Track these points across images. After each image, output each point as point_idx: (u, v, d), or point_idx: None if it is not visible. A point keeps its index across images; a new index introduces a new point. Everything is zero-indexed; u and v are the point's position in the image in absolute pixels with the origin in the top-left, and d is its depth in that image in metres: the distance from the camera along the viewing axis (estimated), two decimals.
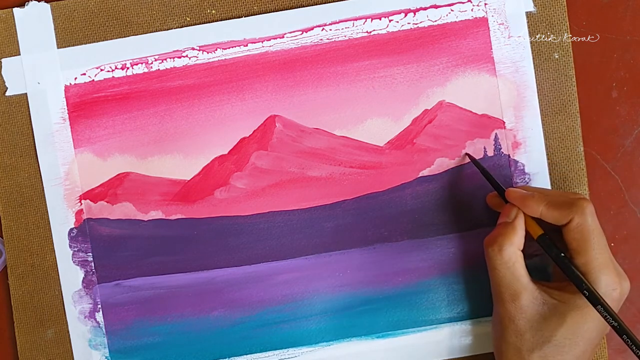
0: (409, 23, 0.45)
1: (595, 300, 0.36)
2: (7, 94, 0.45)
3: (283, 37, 0.45)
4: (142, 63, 0.45)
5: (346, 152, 0.45)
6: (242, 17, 0.45)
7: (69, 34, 0.45)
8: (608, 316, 0.36)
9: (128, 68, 0.45)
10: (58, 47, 0.45)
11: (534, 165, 0.45)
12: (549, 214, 0.38)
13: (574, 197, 0.38)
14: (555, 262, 0.38)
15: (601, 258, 0.37)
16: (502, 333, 0.39)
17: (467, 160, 0.44)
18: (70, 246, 0.45)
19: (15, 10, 0.45)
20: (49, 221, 0.45)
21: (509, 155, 0.45)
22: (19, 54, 0.45)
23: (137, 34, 0.45)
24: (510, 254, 0.38)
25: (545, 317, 0.38)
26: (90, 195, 0.45)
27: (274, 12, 0.45)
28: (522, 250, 0.39)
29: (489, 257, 0.39)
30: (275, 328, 0.45)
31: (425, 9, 0.45)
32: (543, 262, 0.44)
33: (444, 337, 0.45)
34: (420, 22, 0.45)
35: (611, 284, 0.37)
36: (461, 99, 0.45)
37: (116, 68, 0.45)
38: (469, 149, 0.45)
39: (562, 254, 0.38)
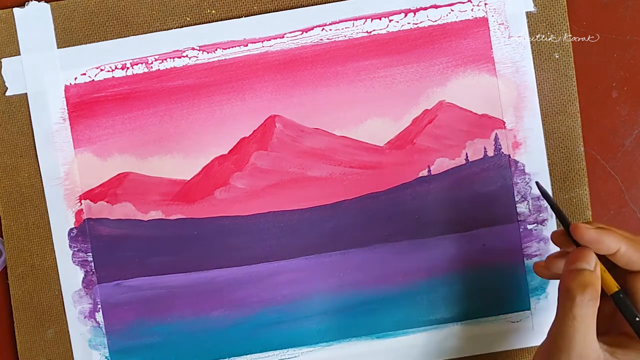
0: (409, 23, 0.45)
1: None
2: (7, 94, 0.45)
3: (283, 37, 0.45)
4: (142, 63, 0.45)
5: (346, 152, 0.45)
6: (242, 17, 0.45)
7: (69, 34, 0.45)
8: None
9: (128, 68, 0.45)
10: (58, 47, 0.45)
11: (534, 165, 0.45)
12: (627, 255, 0.34)
13: None
14: (630, 325, 0.35)
15: None
16: None
17: (464, 161, 0.44)
18: (70, 246, 0.45)
19: (15, 10, 0.45)
20: (49, 221, 0.45)
21: (509, 156, 0.45)
22: (19, 54, 0.45)
23: (137, 34, 0.45)
24: (595, 309, 0.34)
25: None
26: (90, 195, 0.45)
27: (274, 12, 0.45)
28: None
29: (574, 304, 0.34)
30: (275, 328, 0.45)
31: (425, 9, 0.44)
32: None
33: (444, 337, 0.45)
34: (420, 22, 0.45)
35: None
36: (461, 99, 0.45)
37: (116, 68, 0.45)
38: (469, 149, 0.45)
39: (638, 318, 0.34)
